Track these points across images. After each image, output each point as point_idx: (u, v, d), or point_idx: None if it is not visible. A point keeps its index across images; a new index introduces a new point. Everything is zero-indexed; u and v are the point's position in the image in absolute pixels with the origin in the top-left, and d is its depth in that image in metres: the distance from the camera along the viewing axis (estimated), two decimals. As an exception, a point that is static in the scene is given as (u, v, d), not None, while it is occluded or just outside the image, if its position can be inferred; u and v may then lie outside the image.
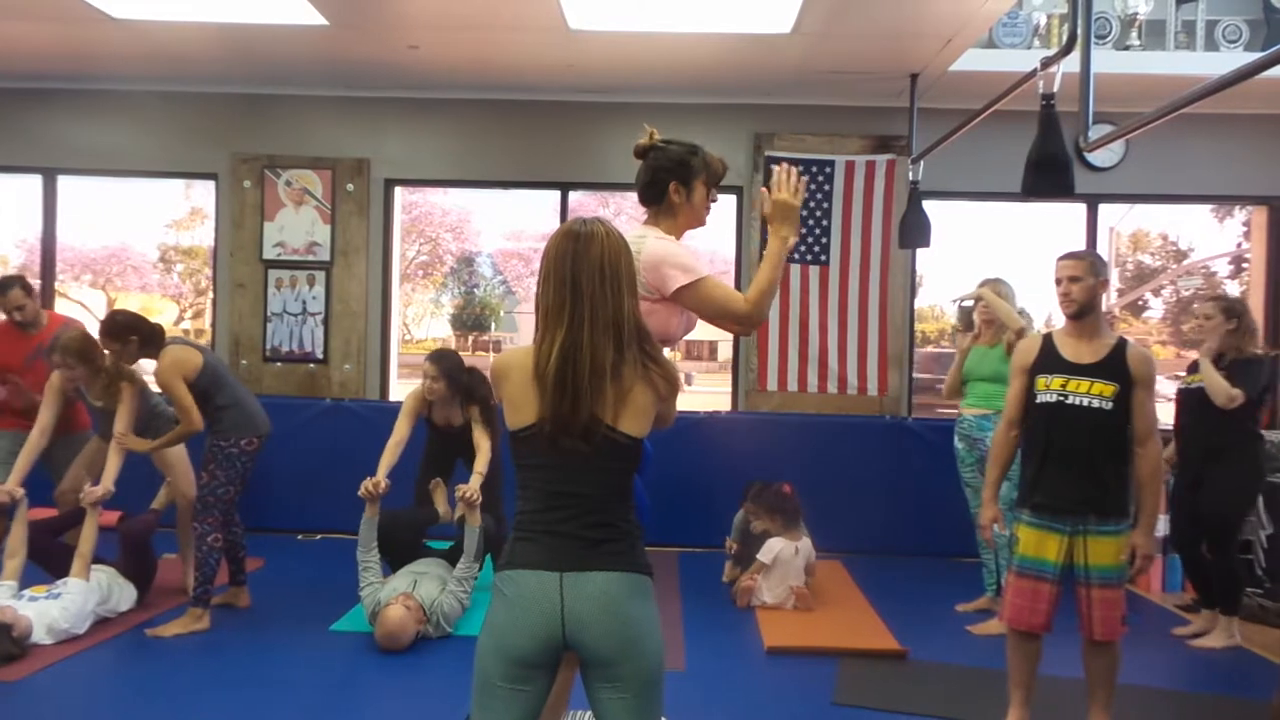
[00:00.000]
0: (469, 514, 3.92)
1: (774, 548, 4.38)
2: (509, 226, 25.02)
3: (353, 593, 3.92)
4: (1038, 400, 2.91)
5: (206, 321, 10.40)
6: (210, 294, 6.49)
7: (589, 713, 1.73)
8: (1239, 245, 18.71)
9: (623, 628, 1.63)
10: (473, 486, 3.94)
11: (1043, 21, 5.24)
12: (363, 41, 4.92)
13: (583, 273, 1.67)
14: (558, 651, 1.66)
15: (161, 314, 18.63)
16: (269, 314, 5.95)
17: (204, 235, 16.83)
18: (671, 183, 2.27)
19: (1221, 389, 3.94)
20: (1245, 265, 15.37)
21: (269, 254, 5.94)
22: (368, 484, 3.89)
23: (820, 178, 5.78)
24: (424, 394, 4.29)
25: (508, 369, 1.72)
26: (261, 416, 4.03)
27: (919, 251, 5.83)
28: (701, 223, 2.36)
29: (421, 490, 4.53)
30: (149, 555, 4.18)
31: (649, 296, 2.16)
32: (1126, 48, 5.22)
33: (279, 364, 5.95)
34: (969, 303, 4.54)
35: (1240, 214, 16.87)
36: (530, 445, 1.68)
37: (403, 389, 4.40)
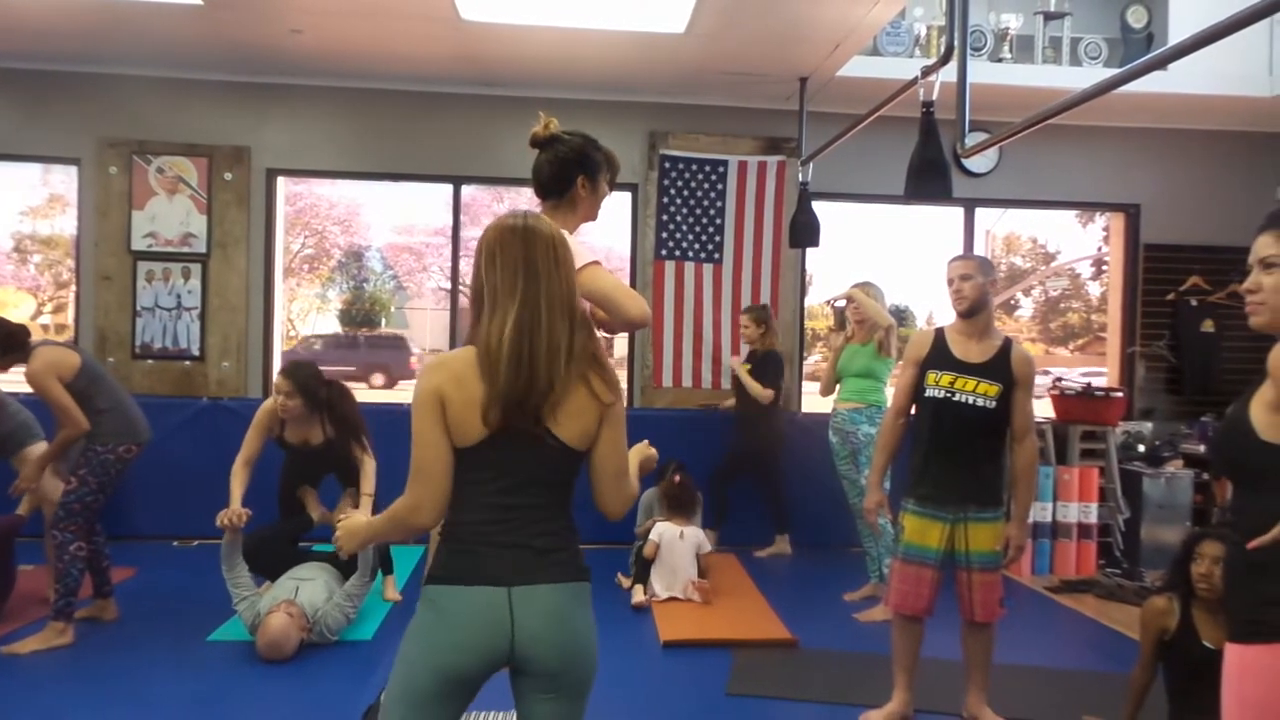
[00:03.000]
0: None
1: (660, 529, 4.47)
2: (399, 220, 24.48)
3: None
4: (926, 394, 3.03)
5: (69, 316, 9.73)
6: (73, 287, 6.07)
7: (499, 713, 1.69)
8: (1100, 249, 20.02)
9: (571, 640, 1.59)
10: (365, 511, 3.77)
11: (923, 32, 5.47)
12: (241, 23, 4.70)
13: (536, 254, 1.58)
14: (502, 665, 1.60)
15: (17, 308, 17.33)
16: (139, 308, 5.61)
17: (65, 224, 15.75)
18: (580, 176, 2.23)
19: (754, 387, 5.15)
20: (1105, 267, 16.41)
21: (138, 245, 5.61)
22: (227, 515, 3.66)
23: (714, 177, 5.87)
24: (277, 410, 3.93)
25: (441, 385, 1.55)
26: (143, 422, 3.81)
27: (808, 251, 6.01)
28: (595, 217, 2.34)
29: (288, 504, 4.22)
30: (8, 561, 3.88)
31: None
32: (1000, 60, 5.50)
33: (150, 361, 5.63)
34: (841, 303, 4.74)
35: (1101, 219, 18.04)
36: (473, 458, 1.58)
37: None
